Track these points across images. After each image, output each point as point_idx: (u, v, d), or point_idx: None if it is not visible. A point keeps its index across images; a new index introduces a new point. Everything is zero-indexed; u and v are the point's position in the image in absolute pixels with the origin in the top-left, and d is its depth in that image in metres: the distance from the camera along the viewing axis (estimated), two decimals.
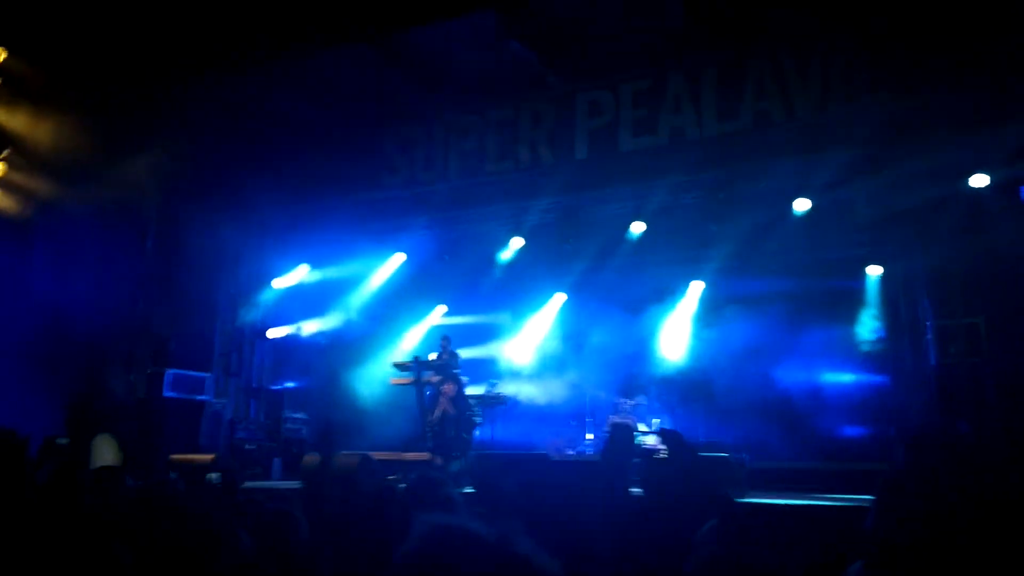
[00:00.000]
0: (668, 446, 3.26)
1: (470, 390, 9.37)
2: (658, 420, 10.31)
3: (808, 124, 8.20)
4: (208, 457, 8.22)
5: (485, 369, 10.92)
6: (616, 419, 9.34)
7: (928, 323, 8.58)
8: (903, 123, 7.86)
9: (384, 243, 11.33)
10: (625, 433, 3.26)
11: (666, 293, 10.79)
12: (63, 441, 7.95)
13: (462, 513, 2.85)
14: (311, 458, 7.74)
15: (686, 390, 10.24)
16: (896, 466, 2.46)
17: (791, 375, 9.62)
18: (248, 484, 7.16)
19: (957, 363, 8.03)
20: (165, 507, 3.25)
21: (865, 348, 9.65)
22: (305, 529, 2.63)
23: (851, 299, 9.78)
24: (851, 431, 9.23)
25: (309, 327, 12.20)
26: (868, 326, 9.70)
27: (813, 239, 9.35)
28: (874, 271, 9.76)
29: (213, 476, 6.11)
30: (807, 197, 8.93)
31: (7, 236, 8.83)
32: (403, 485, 3.37)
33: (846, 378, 9.67)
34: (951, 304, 8.44)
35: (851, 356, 9.68)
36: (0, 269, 8.71)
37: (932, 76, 7.53)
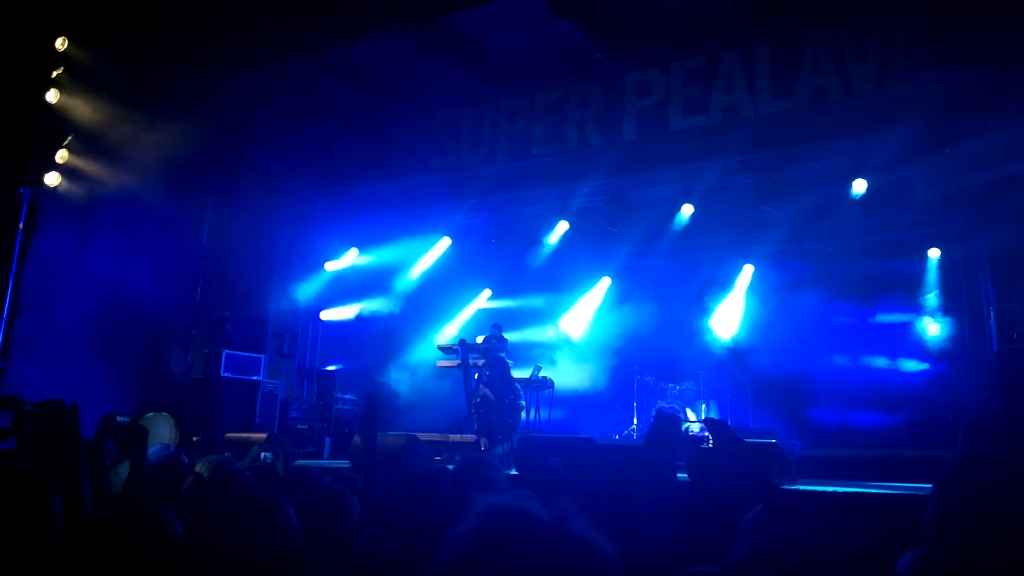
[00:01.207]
0: (714, 436, 3.21)
1: (515, 373, 9.38)
2: (705, 405, 10.20)
3: (866, 101, 7.90)
4: (262, 436, 8.42)
5: (530, 353, 10.91)
6: (663, 405, 9.27)
7: (990, 307, 8.25)
8: (965, 100, 7.53)
9: (431, 227, 11.46)
10: (671, 422, 3.21)
11: (716, 277, 10.67)
12: (124, 419, 8.24)
13: (508, 494, 2.85)
14: (358, 438, 7.91)
15: (735, 375, 10.08)
16: (956, 453, 2.35)
17: (845, 360, 9.41)
18: (300, 463, 7.30)
19: (1020, 348, 7.72)
20: (217, 486, 3.31)
21: (924, 333, 9.36)
22: (357, 508, 2.63)
23: (910, 282, 9.50)
24: (909, 417, 8.96)
25: (359, 310, 12.37)
26: (928, 310, 9.40)
27: (871, 221, 9.09)
28: (934, 253, 9.44)
29: (267, 456, 6.25)
30: (864, 177, 8.66)
31: (71, 221, 9.12)
32: (450, 466, 3.39)
33: (904, 363, 9.39)
34: (1014, 287, 8.11)
35: (909, 341, 9.40)
36: (64, 253, 9.01)
37: (995, 51, 7.17)
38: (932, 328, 9.34)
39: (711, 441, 3.15)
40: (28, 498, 1.67)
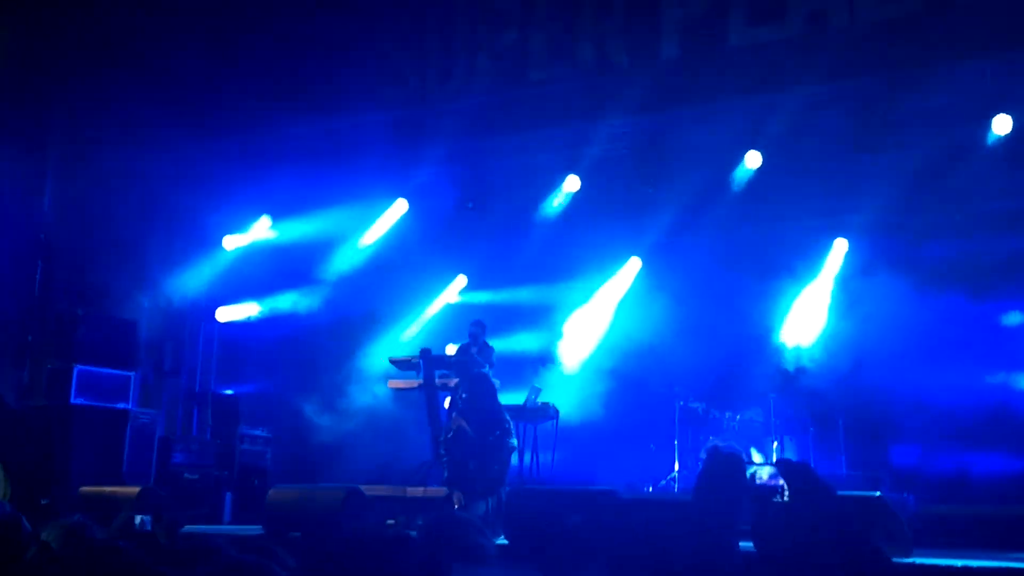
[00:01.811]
0: (791, 484, 3.21)
1: (503, 399, 9.37)
2: (778, 443, 10.23)
3: (1010, 7, 7.93)
4: (133, 490, 8.37)
5: (524, 370, 10.91)
6: (718, 442, 9.26)
7: None
8: None
9: (379, 187, 11.42)
10: (730, 465, 3.20)
11: (793, 257, 10.72)
12: None
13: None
14: (279, 493, 7.87)
15: (821, 399, 10.09)
16: None
17: (975, 381, 9.42)
18: (190, 528, 7.25)
19: None
20: (74, 561, 3.29)
21: None
22: None
23: None
24: None
25: (274, 306, 12.31)
26: None
27: (1016, 177, 9.10)
28: None
29: (141, 518, 6.21)
30: (1009, 113, 8.66)
31: None
32: (412, 532, 3.36)
33: None
34: None
35: None
36: None
37: None
38: None
39: (786, 493, 3.17)
40: None
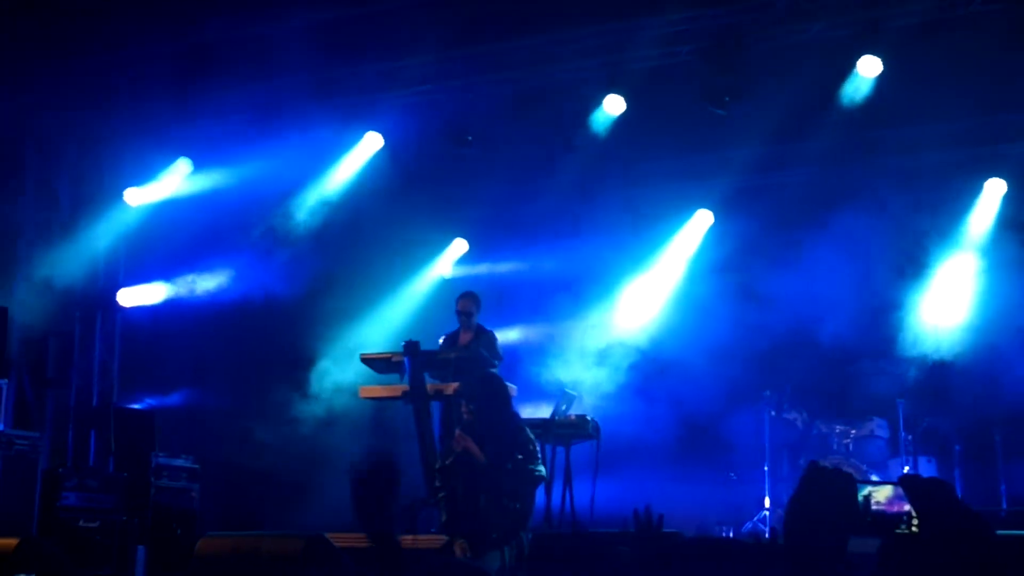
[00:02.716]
0: (920, 508, 3.25)
1: (524, 410, 9.44)
2: (908, 467, 10.28)
3: None
4: (9, 543, 8.46)
5: (549, 370, 10.98)
6: (825, 463, 9.33)
7: None
8: None
9: (343, 113, 11.41)
10: (834, 484, 3.24)
11: (933, 206, 10.72)
12: None
13: None
14: (212, 543, 7.92)
15: (971, 407, 10.14)
16: None
17: None
18: None
19: None
20: None
21: None
22: None
23: None
24: None
25: (200, 285, 12.39)
26: None
27: None
28: None
29: None
30: None
31: None
32: None
33: None
34: None
35: None
36: None
37: None
38: None
39: (915, 520, 3.23)
40: None
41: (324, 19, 10.58)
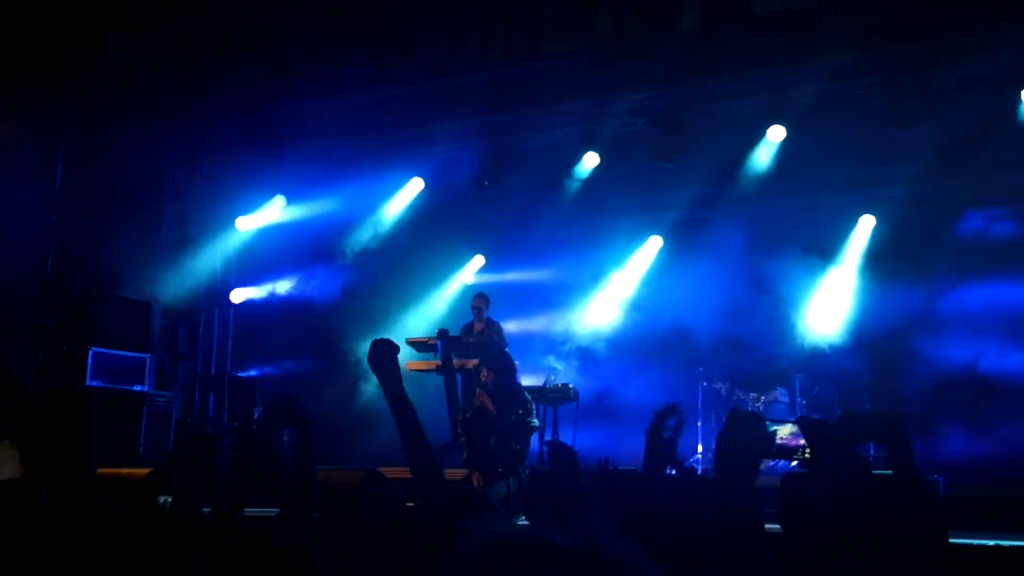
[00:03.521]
0: (809, 441, 3.13)
1: (523, 380, 9.37)
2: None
3: None
4: (142, 472, 8.37)
5: (542, 350, 10.88)
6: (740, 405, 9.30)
7: None
8: None
9: (394, 165, 11.41)
10: (750, 422, 3.10)
11: (821, 235, 10.69)
12: None
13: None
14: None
15: (851, 381, 10.07)
16: None
17: (1012, 358, 9.34)
18: (208, 510, 7.25)
19: None
20: (96, 541, 3.26)
21: None
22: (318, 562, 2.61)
23: None
24: None
25: (289, 288, 12.32)
26: None
27: None
28: None
29: (164, 499, 6.21)
30: None
31: None
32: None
33: None
34: None
35: None
36: None
37: None
38: None
39: (807, 451, 3.07)
40: None
41: (383, 97, 10.63)
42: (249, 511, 8.62)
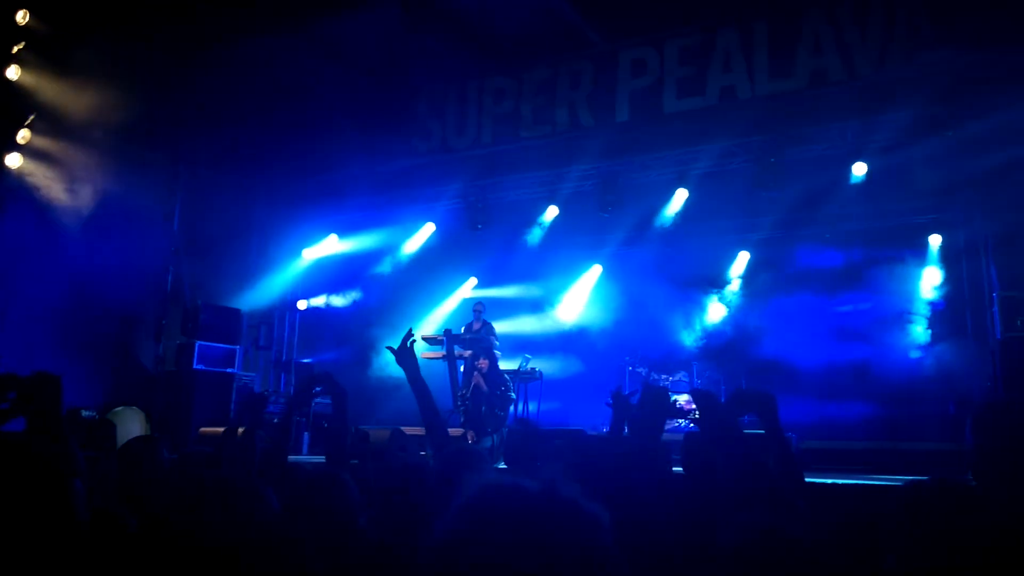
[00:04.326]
0: (699, 407, 3.10)
1: (503, 365, 9.40)
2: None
3: (867, 83, 7.93)
4: (238, 431, 8.38)
5: (518, 343, 10.89)
6: (651, 379, 9.36)
7: (994, 294, 8.35)
8: (967, 81, 7.58)
9: (414, 212, 11.41)
10: (657, 393, 3.10)
11: (710, 264, 10.68)
12: (88, 413, 8.16)
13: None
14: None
15: (731, 366, 10.10)
16: (966, 443, 2.37)
17: (845, 350, 9.39)
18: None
19: (1023, 336, 7.82)
20: (196, 479, 3.30)
21: (925, 321, 9.44)
22: (355, 493, 2.59)
23: (910, 269, 9.55)
24: (910, 408, 9.02)
25: (338, 299, 12.34)
26: (928, 298, 9.48)
27: (870, 206, 9.14)
28: (935, 240, 9.51)
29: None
30: (864, 161, 8.68)
31: (34, 205, 9.02)
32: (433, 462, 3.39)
33: (904, 353, 9.45)
34: (1018, 274, 8.20)
35: (910, 330, 9.46)
36: (28, 239, 8.90)
37: (998, 31, 7.21)
38: (933, 317, 9.42)
39: (696, 413, 3.05)
40: (50, 482, 1.66)
41: (406, 165, 10.70)
42: (304, 458, 8.68)
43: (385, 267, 12.00)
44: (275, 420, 10.39)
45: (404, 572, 2.17)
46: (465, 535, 1.07)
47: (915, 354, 9.41)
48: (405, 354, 3.75)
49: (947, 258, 9.41)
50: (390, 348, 3.95)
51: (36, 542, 1.60)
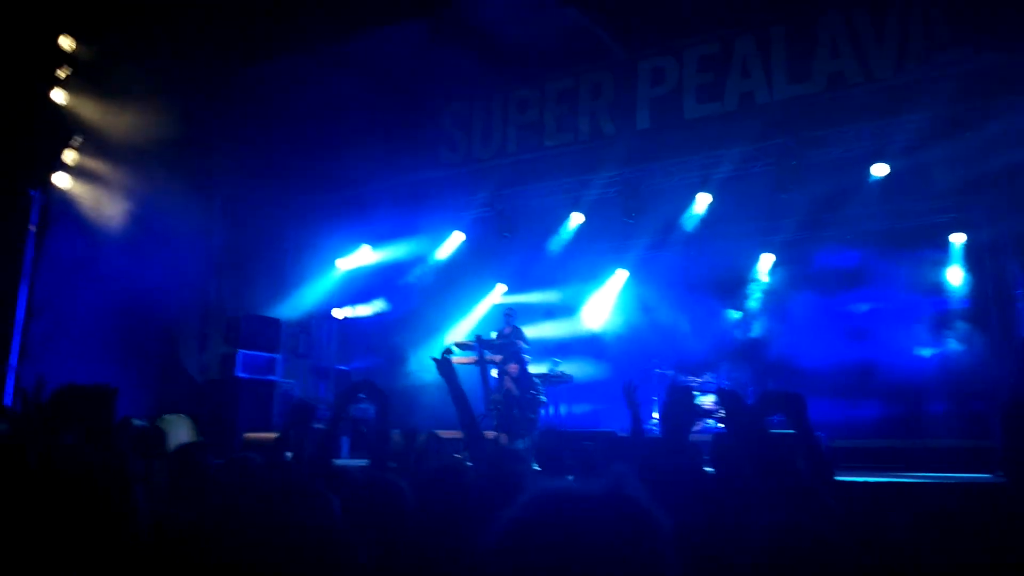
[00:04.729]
0: (725, 407, 3.07)
1: (533, 368, 9.40)
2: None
3: (885, 85, 7.88)
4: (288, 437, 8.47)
5: (547, 348, 10.87)
6: (678, 379, 9.31)
7: (1018, 291, 8.20)
8: (984, 81, 7.49)
9: (443, 222, 11.42)
10: (684, 394, 3.09)
11: (734, 267, 10.57)
12: (140, 422, 8.30)
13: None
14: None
15: (758, 367, 9.99)
16: (996, 440, 2.35)
17: (871, 349, 9.25)
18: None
19: None
20: (248, 482, 3.35)
21: (950, 321, 9.29)
22: (408, 495, 2.57)
23: (933, 269, 9.40)
24: (937, 407, 8.88)
25: (372, 307, 12.40)
26: (953, 298, 9.33)
27: (892, 207, 9.02)
28: (958, 239, 9.35)
29: (289, 454, 6.30)
30: (885, 162, 8.58)
31: (82, 223, 9.22)
32: (468, 463, 3.41)
33: (931, 353, 9.29)
34: None
35: (936, 330, 9.31)
36: (76, 255, 9.10)
37: (1014, 30, 7.12)
38: (957, 315, 9.27)
39: (722, 413, 3.01)
40: (112, 490, 1.70)
41: (436, 176, 10.78)
42: (346, 461, 8.76)
43: (416, 276, 12.01)
44: (320, 426, 10.55)
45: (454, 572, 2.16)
46: (525, 539, 1.03)
47: (939, 352, 9.25)
48: (445, 364, 3.84)
49: (970, 257, 9.25)
50: (433, 359, 4.03)
51: (100, 546, 1.65)
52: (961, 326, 9.21)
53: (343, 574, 1.59)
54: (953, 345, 9.20)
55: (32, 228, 8.76)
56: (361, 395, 3.76)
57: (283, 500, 1.67)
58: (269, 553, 1.58)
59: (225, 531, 1.93)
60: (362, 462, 8.35)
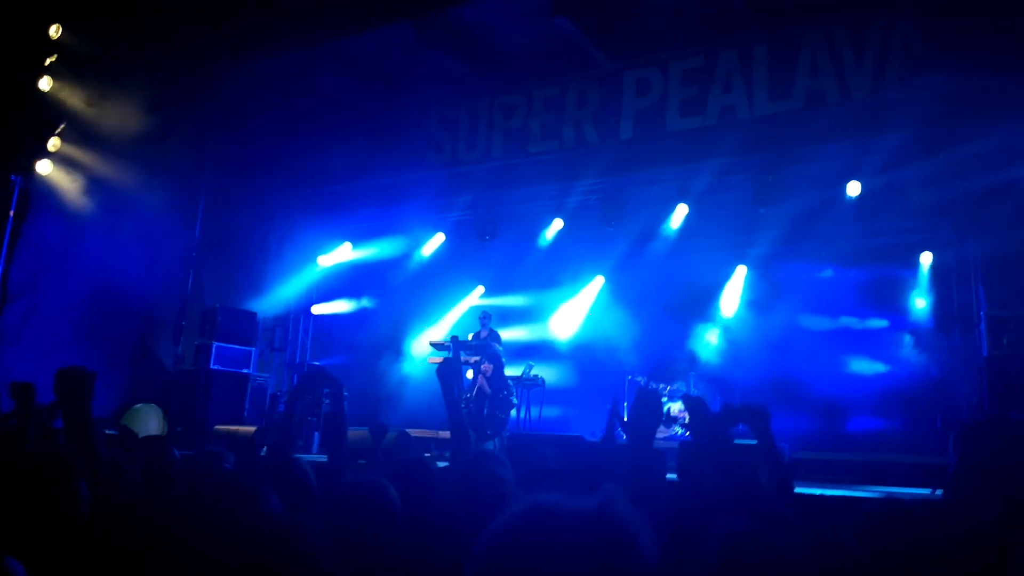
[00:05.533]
0: (690, 412, 3.07)
1: (507, 371, 9.37)
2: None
3: (862, 104, 7.94)
4: (251, 429, 8.39)
5: (521, 351, 10.85)
6: (646, 383, 9.33)
7: (981, 313, 8.30)
8: (960, 104, 7.56)
9: (425, 223, 11.33)
10: (651, 398, 3.06)
11: (709, 278, 10.61)
12: (110, 432, 8.20)
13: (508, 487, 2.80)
14: (352, 433, 7.86)
15: (728, 377, 10.02)
16: (949, 458, 2.34)
17: (837, 364, 9.31)
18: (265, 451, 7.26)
19: (1010, 354, 7.75)
20: (213, 477, 3.29)
21: (914, 338, 9.37)
22: (398, 504, 2.44)
23: (901, 287, 9.49)
24: (898, 423, 8.96)
25: (352, 304, 12.32)
26: (918, 316, 9.42)
27: (864, 224, 9.08)
28: (926, 258, 9.45)
29: (263, 448, 6.22)
30: (859, 180, 8.65)
31: (62, 210, 9.10)
32: (440, 463, 3.38)
33: (893, 369, 9.36)
34: (1006, 294, 8.14)
35: (899, 346, 9.39)
36: (54, 242, 8.98)
37: (992, 54, 7.21)
38: (922, 334, 9.36)
39: (688, 419, 3.00)
40: (55, 481, 1.67)
41: (419, 177, 10.73)
42: (308, 456, 8.68)
43: (397, 274, 11.92)
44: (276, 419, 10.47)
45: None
46: (511, 551, 1.01)
47: (906, 370, 9.33)
48: (446, 368, 3.86)
49: (937, 276, 9.35)
50: (433, 360, 4.09)
51: (40, 535, 1.60)
52: (927, 344, 9.30)
53: (287, 568, 1.54)
54: (919, 363, 9.29)
55: (11, 213, 8.62)
56: (327, 390, 3.70)
57: (216, 497, 1.63)
58: (204, 546, 1.54)
59: (179, 525, 1.89)
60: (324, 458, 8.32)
